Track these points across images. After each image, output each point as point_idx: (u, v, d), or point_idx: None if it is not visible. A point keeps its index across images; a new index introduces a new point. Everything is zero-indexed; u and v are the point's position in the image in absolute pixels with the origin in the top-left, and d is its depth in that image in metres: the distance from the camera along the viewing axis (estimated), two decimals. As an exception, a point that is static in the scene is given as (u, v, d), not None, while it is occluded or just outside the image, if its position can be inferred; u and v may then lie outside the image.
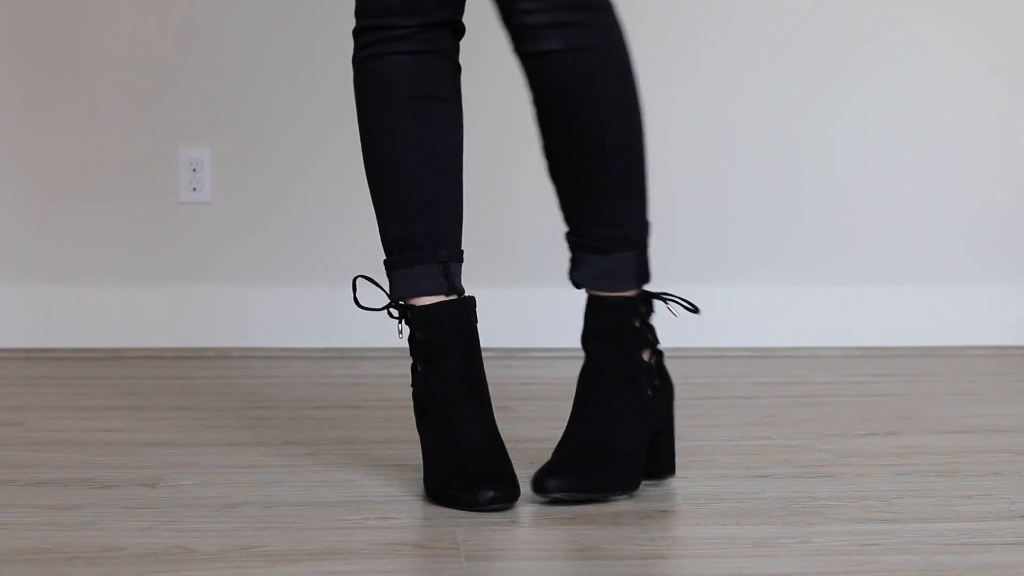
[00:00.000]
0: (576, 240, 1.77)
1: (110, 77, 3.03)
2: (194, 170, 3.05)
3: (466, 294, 1.83)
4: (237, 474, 1.88)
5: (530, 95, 1.74)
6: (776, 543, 1.56)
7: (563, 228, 1.80)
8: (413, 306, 1.80)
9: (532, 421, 2.14)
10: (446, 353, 1.78)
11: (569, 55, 1.68)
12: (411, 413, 2.36)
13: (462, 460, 1.73)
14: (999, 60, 3.16)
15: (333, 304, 3.05)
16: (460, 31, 1.83)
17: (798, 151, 3.13)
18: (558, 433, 2.10)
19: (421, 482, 1.80)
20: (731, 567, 1.48)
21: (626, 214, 1.76)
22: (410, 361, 1.83)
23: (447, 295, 1.80)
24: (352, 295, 1.85)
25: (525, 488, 1.73)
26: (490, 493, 1.68)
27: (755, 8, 3.11)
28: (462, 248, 1.85)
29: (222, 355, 3.01)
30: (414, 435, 2.12)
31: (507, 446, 1.82)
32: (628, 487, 1.74)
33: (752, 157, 3.11)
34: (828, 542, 1.57)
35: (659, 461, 1.81)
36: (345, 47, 3.04)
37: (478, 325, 1.81)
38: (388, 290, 1.84)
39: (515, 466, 1.86)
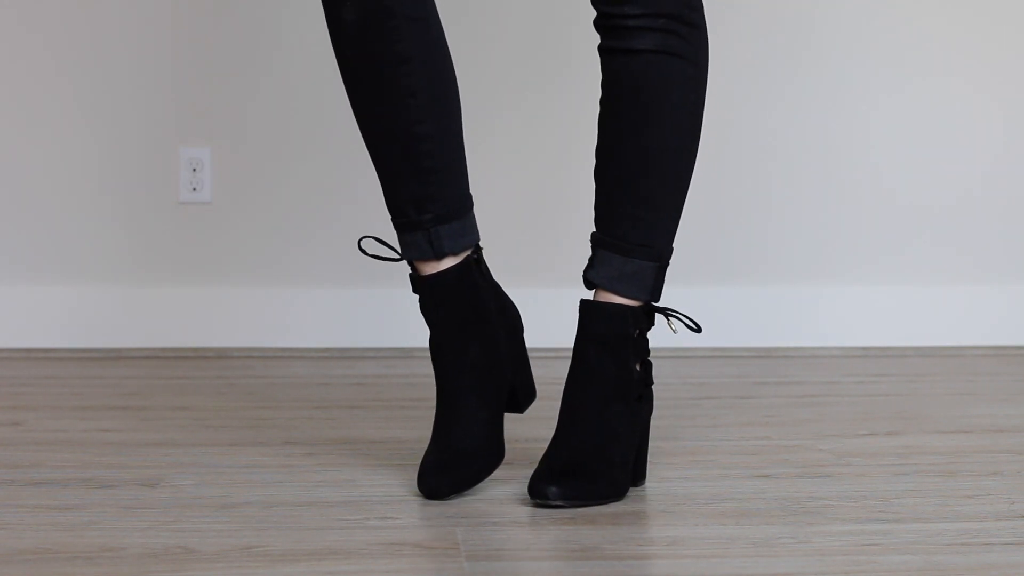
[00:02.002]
0: (603, 239, 1.81)
1: (110, 77, 3.03)
2: (194, 170, 3.05)
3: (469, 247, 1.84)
4: (237, 474, 1.88)
5: (603, 93, 1.81)
6: (776, 543, 1.56)
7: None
8: (414, 271, 1.84)
9: (532, 421, 2.14)
10: (431, 325, 1.82)
11: (658, 56, 1.76)
12: (411, 413, 2.36)
13: (431, 446, 1.81)
14: (999, 60, 3.16)
15: (333, 304, 3.05)
16: None
17: (798, 151, 3.12)
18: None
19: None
20: (731, 567, 1.48)
21: (659, 227, 1.81)
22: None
23: (436, 260, 1.81)
24: (358, 247, 1.88)
25: (507, 488, 1.73)
26: (422, 488, 1.75)
27: (755, 9, 3.11)
28: (465, 196, 1.83)
29: (222, 355, 3.01)
30: (414, 435, 2.12)
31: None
32: (619, 494, 1.75)
33: (751, 157, 3.11)
34: (828, 542, 1.57)
35: (637, 467, 1.82)
36: (345, 47, 3.05)
37: (478, 283, 1.83)
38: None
39: (516, 465, 1.87)
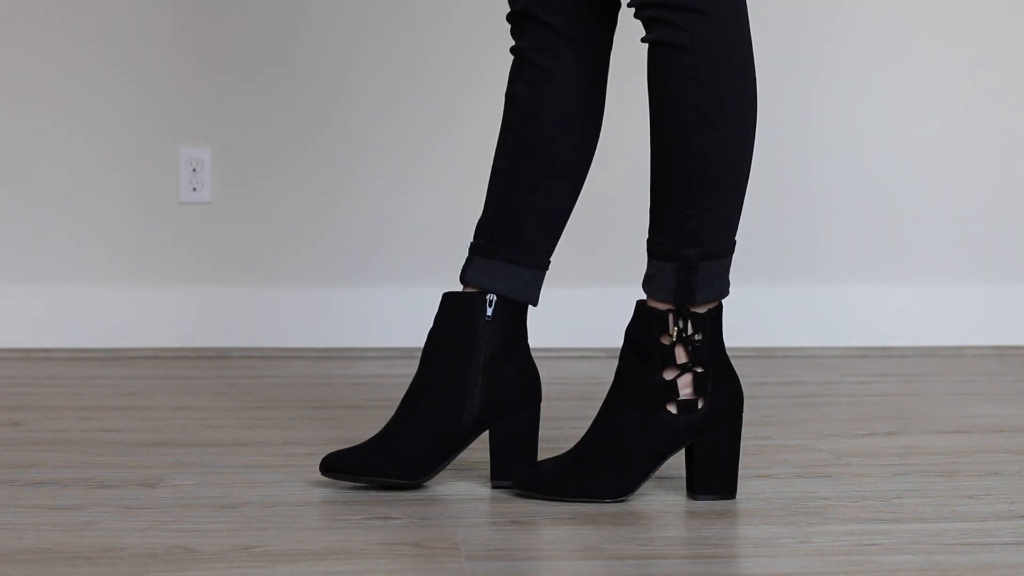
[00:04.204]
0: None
1: (110, 77, 3.03)
2: (194, 170, 3.05)
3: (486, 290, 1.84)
4: (237, 474, 1.88)
5: None
6: (776, 543, 1.56)
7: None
8: None
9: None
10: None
11: (656, 48, 1.74)
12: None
13: None
14: (1000, 60, 3.16)
15: (333, 304, 3.05)
16: (544, 24, 1.83)
17: (798, 151, 3.13)
18: (556, 432, 2.11)
19: (422, 482, 1.81)
20: (731, 567, 1.48)
21: (673, 226, 1.75)
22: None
23: (463, 285, 1.85)
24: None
25: (507, 488, 1.74)
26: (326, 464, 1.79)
27: (756, 6, 3.10)
28: (524, 248, 1.85)
29: (222, 355, 3.01)
30: (414, 435, 2.12)
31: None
32: (604, 495, 1.73)
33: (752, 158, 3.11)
34: (828, 542, 1.57)
35: (694, 478, 1.77)
36: (345, 49, 3.05)
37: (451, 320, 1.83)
38: None
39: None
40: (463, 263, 1.85)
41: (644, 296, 1.78)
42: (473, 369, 1.80)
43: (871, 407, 2.44)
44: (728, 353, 1.79)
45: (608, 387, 1.78)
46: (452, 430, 1.79)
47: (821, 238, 3.13)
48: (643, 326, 1.75)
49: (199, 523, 1.63)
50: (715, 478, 1.77)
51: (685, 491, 1.78)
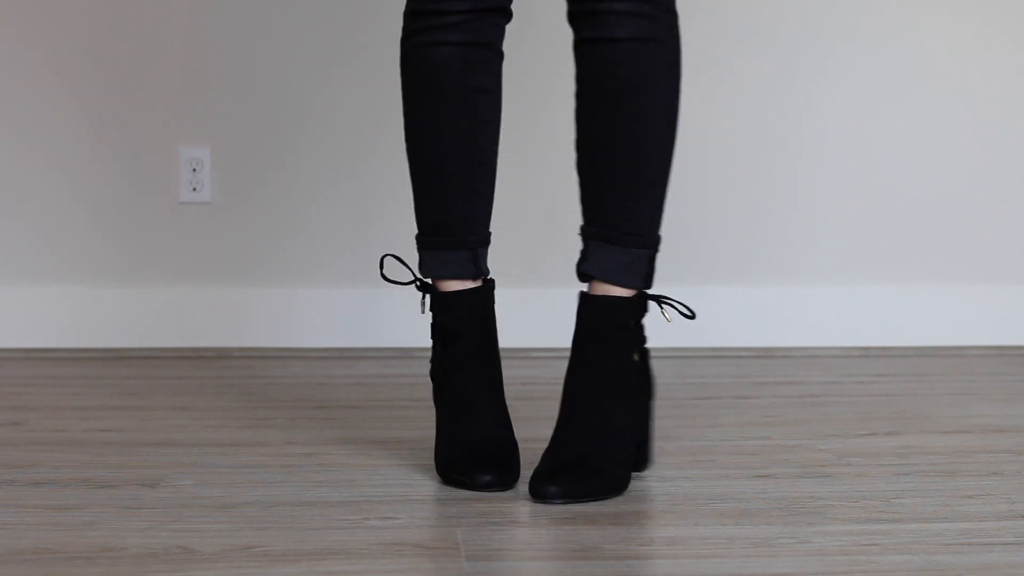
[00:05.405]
0: (597, 231, 1.80)
1: (110, 77, 3.03)
2: (194, 170, 3.05)
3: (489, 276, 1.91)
4: (237, 474, 1.88)
5: (582, 87, 1.80)
6: (776, 543, 1.56)
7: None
8: (436, 289, 1.88)
9: (532, 421, 2.14)
10: (461, 337, 1.86)
11: (642, 44, 1.76)
12: (411, 413, 2.35)
13: (468, 443, 1.81)
14: (1000, 60, 3.16)
15: (333, 304, 3.05)
16: (508, 16, 1.87)
17: (798, 150, 3.13)
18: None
19: (421, 483, 1.81)
20: (731, 567, 1.48)
21: (648, 216, 1.80)
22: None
23: (474, 280, 1.88)
24: (380, 271, 1.93)
25: (525, 476, 1.74)
26: (488, 477, 1.76)
27: (760, 3, 3.11)
28: (489, 231, 1.92)
29: (222, 355, 3.01)
30: (414, 435, 2.12)
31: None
32: (620, 488, 1.76)
33: (752, 156, 3.11)
34: (828, 542, 1.57)
35: (639, 454, 1.83)
36: (344, 49, 3.05)
37: (495, 308, 1.90)
38: (417, 266, 1.91)
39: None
40: (468, 261, 1.87)
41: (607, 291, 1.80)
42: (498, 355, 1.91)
43: (871, 407, 2.44)
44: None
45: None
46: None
47: (821, 238, 3.13)
48: (615, 316, 1.79)
49: (199, 523, 1.63)
50: (647, 451, 1.84)
51: (679, 489, 1.79)
